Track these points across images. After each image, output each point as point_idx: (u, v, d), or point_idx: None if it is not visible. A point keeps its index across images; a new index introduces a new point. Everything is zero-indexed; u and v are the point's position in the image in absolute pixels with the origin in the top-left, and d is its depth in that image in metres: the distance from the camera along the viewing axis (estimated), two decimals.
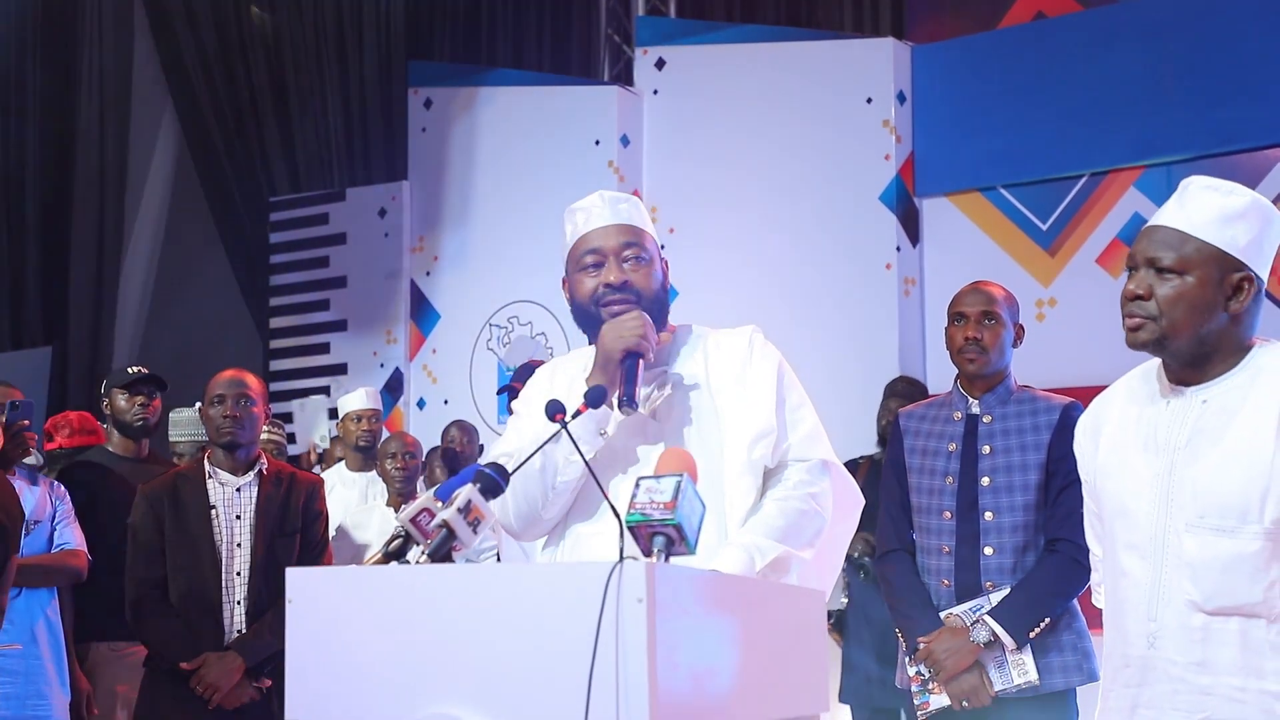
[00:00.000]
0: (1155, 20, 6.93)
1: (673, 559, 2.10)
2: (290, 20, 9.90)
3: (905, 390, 5.84)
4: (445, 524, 2.25)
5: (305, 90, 9.87)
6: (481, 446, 7.15)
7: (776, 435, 2.77)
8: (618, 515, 2.11)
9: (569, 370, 2.92)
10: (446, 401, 8.65)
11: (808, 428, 2.84)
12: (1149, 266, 2.49)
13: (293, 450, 7.89)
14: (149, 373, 5.24)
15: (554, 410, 2.46)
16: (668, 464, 2.24)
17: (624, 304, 2.78)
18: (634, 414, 2.67)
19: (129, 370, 5.27)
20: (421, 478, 6.04)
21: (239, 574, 4.34)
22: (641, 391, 2.72)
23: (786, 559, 2.68)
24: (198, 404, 4.89)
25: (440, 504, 2.31)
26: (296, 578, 2.20)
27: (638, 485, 2.14)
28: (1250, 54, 6.64)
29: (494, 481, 2.34)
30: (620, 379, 2.69)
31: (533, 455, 2.53)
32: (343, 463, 6.67)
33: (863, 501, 3.02)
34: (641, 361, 2.72)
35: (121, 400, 5.19)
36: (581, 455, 2.48)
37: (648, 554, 2.08)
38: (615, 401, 2.67)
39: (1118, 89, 6.94)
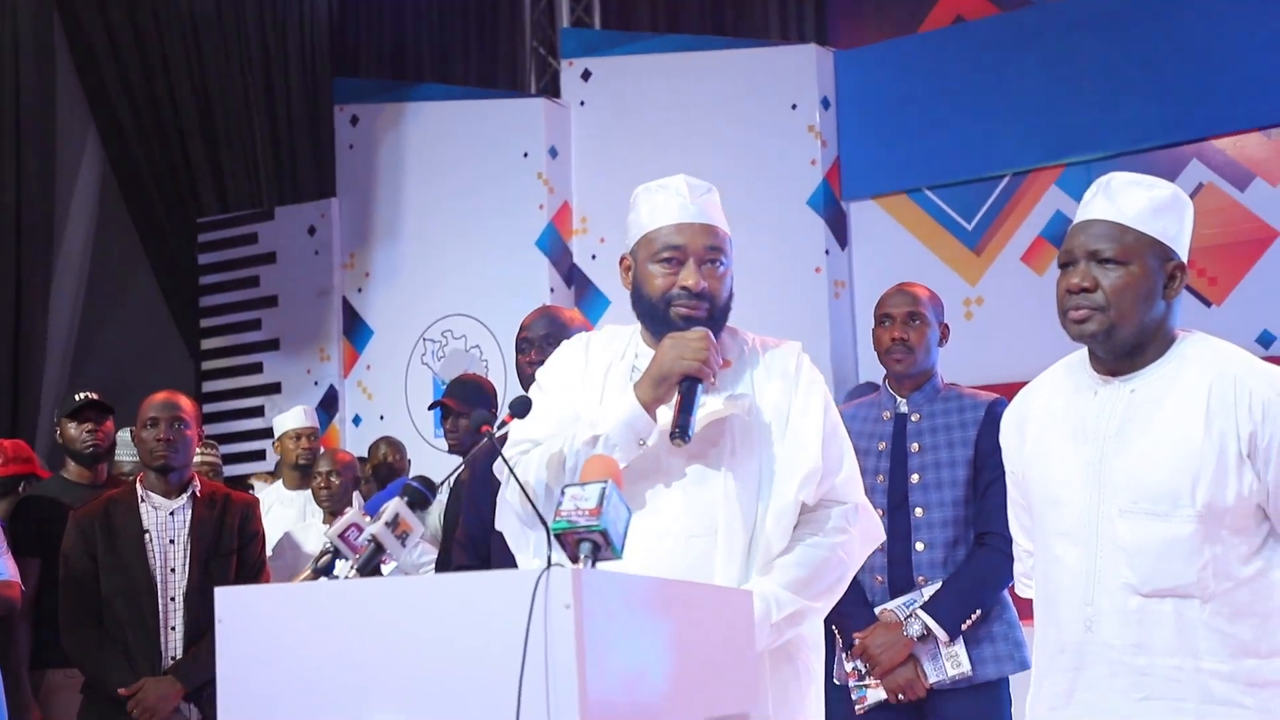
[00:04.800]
0: (1070, 22, 7.08)
1: (599, 564, 2.12)
2: (214, 39, 9.83)
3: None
4: (373, 538, 2.26)
5: (230, 110, 9.80)
6: (410, 461, 7.15)
7: (821, 474, 2.70)
8: (545, 525, 2.13)
9: (606, 354, 2.81)
10: (382, 417, 8.62)
11: (848, 469, 2.77)
12: (1090, 259, 2.54)
13: None
14: (95, 398, 5.21)
15: (480, 422, 2.47)
16: (592, 471, 2.27)
17: (696, 312, 2.68)
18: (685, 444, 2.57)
19: (75, 397, 5.25)
20: (358, 493, 6.03)
21: (174, 599, 4.32)
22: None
23: (803, 613, 2.64)
24: (129, 428, 4.86)
25: (369, 518, 2.32)
26: (226, 597, 2.20)
27: (563, 493, 2.16)
28: (1162, 54, 6.78)
29: (421, 494, 2.35)
30: (676, 404, 2.59)
31: (453, 472, 2.54)
32: (280, 481, 6.65)
33: (882, 538, 2.94)
34: (701, 387, 2.61)
35: (71, 429, 5.18)
36: (516, 476, 2.43)
37: (574, 560, 2.11)
38: (670, 431, 2.57)
39: (1036, 90, 7.07)
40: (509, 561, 3.52)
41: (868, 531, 2.82)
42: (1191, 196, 2.89)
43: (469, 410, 4.63)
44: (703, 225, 2.74)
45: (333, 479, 5.73)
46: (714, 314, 2.70)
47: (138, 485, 4.44)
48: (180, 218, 9.82)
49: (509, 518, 2.77)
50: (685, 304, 2.68)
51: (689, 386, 2.60)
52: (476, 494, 3.76)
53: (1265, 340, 6.39)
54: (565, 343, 2.95)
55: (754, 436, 2.70)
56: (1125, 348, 2.56)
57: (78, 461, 5.22)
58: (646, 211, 2.79)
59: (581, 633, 1.91)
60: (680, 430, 2.56)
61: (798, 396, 2.73)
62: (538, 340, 3.74)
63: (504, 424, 2.58)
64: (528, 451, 2.64)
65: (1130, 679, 2.48)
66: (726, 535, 2.64)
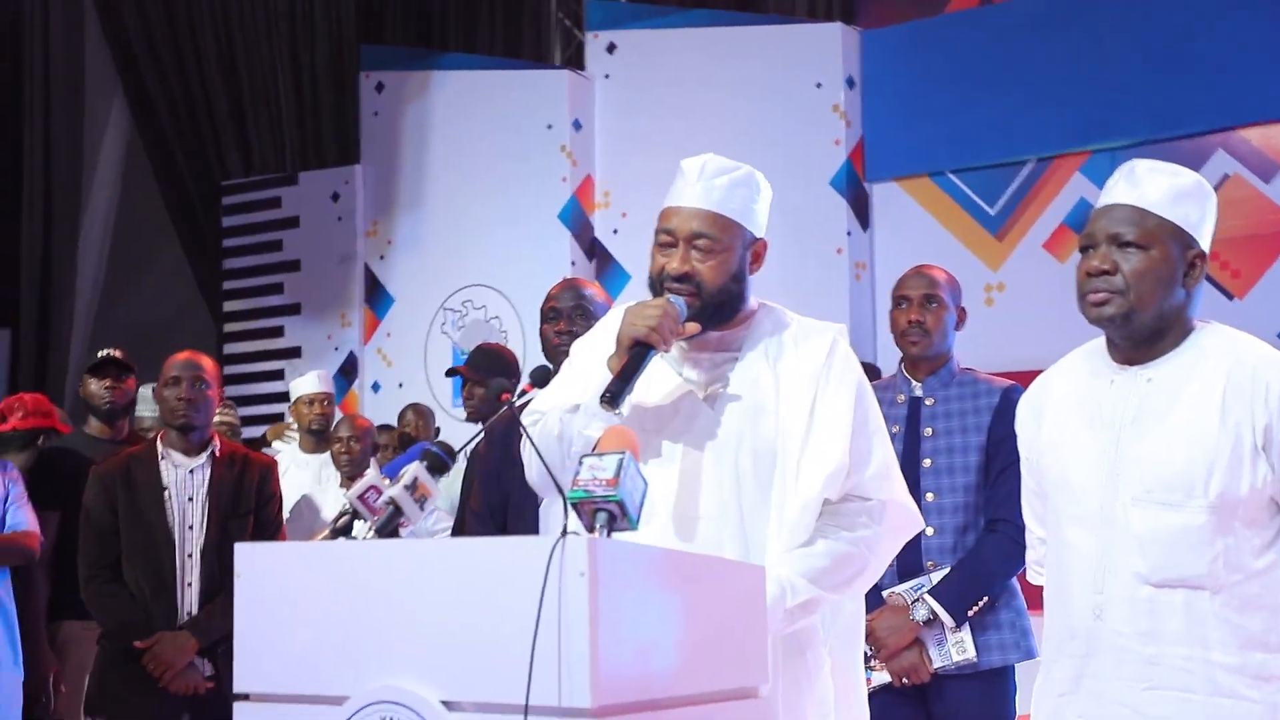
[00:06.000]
0: (1098, 6, 7.03)
1: (615, 534, 2.15)
2: (241, 3, 9.84)
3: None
4: (392, 501, 2.29)
5: (256, 74, 9.82)
6: (438, 429, 7.19)
7: (848, 469, 2.65)
8: (562, 493, 2.16)
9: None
10: (401, 385, 8.67)
11: (879, 463, 2.70)
12: (1111, 243, 2.54)
13: None
14: (116, 355, 5.29)
15: (499, 390, 2.49)
16: (610, 442, 2.29)
17: (683, 297, 2.66)
18: (613, 414, 2.54)
19: (98, 354, 5.35)
20: (375, 458, 6.07)
21: (191, 555, 4.36)
22: (691, 376, 2.61)
23: (817, 601, 2.62)
24: (152, 385, 4.92)
25: (388, 481, 2.35)
26: (245, 552, 2.23)
27: (581, 463, 2.18)
28: (1191, 40, 6.75)
29: (441, 460, 2.37)
30: (618, 369, 2.57)
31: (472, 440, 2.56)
32: (296, 445, 6.69)
33: (918, 528, 2.85)
34: (654, 355, 2.59)
35: (92, 384, 5.28)
36: (533, 443, 2.47)
37: (590, 529, 2.13)
38: (600, 394, 2.56)
39: (1062, 74, 7.04)
40: (527, 533, 3.55)
41: (898, 527, 2.77)
42: (1216, 187, 2.90)
43: (487, 379, 4.64)
44: (694, 210, 2.69)
45: (352, 444, 5.78)
46: (703, 299, 2.67)
47: (158, 443, 4.48)
48: (205, 180, 9.87)
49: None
50: (671, 287, 2.67)
51: (638, 353, 2.58)
52: (496, 463, 3.77)
53: None
54: (612, 311, 2.93)
55: (772, 421, 2.68)
56: (1143, 333, 2.55)
57: (97, 417, 5.31)
58: (670, 189, 2.79)
59: (595, 601, 1.92)
60: (610, 396, 2.53)
61: (827, 386, 2.68)
62: (566, 310, 3.75)
63: (524, 393, 2.59)
64: (536, 422, 2.67)
65: (1138, 668, 2.49)
66: (737, 520, 2.64)
